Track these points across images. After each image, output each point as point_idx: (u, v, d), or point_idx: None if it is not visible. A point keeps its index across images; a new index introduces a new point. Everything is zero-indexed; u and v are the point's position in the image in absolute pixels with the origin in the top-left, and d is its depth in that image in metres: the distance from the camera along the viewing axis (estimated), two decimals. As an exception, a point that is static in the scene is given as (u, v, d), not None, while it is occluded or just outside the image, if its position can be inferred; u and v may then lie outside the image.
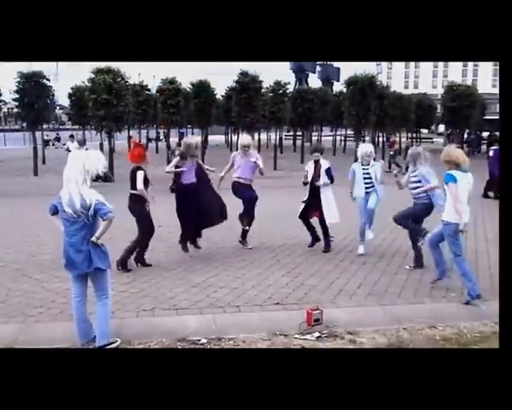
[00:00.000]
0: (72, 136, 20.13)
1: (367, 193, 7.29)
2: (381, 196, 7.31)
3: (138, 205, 6.36)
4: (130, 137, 28.64)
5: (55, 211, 4.22)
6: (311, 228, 7.65)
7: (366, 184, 7.28)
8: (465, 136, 36.65)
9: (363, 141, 23.55)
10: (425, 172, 6.45)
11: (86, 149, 14.65)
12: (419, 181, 6.49)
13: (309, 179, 7.41)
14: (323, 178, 7.28)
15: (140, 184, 6.27)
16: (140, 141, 26.99)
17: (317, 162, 7.42)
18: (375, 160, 7.47)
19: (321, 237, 7.62)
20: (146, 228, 6.50)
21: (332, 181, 7.34)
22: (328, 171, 7.34)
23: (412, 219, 6.68)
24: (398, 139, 29.94)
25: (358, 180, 7.33)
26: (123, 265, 6.40)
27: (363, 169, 7.32)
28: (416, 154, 6.64)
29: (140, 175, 6.30)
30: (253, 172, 7.65)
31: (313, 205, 7.41)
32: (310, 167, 7.49)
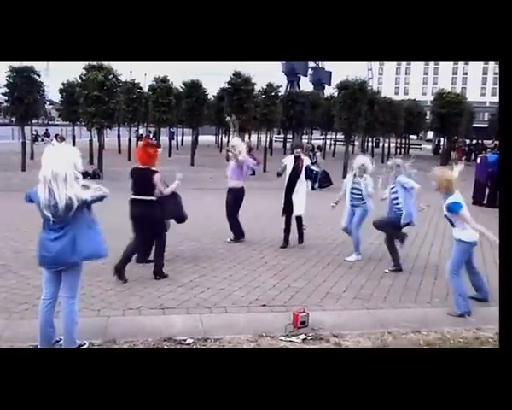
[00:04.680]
0: (56, 135, 19.97)
1: (352, 205, 7.32)
2: (369, 208, 7.25)
3: (153, 210, 5.79)
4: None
5: (30, 201, 3.86)
6: (288, 230, 7.77)
7: (352, 195, 7.30)
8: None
9: (353, 144, 23.56)
10: (403, 181, 6.49)
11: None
12: (397, 192, 6.62)
13: (287, 172, 7.68)
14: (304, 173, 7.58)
15: (162, 189, 5.82)
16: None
17: (298, 158, 7.60)
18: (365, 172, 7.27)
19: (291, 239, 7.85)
20: (163, 232, 6.11)
21: (311, 178, 7.68)
22: (308, 167, 7.59)
23: (392, 227, 6.79)
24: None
25: (346, 193, 7.40)
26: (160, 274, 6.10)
27: (354, 183, 7.31)
28: (395, 166, 6.66)
29: (157, 178, 5.76)
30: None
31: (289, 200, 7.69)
32: (289, 162, 7.68)
